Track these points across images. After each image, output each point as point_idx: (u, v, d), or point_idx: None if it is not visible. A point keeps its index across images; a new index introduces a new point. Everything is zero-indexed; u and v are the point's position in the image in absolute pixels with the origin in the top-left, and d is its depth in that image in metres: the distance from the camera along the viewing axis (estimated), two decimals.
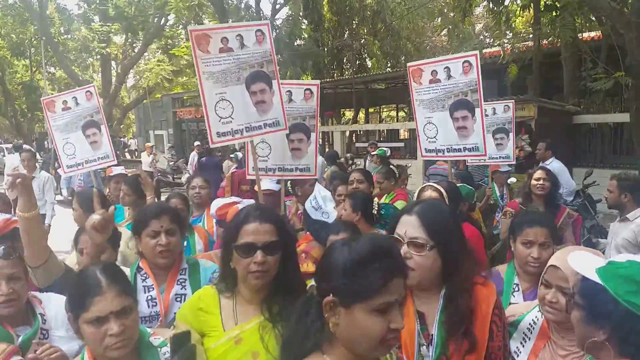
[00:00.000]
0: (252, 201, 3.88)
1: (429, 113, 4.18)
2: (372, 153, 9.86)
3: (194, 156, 13.92)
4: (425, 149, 4.27)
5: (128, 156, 26.11)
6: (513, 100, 5.69)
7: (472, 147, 4.07)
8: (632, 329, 1.25)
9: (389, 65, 23.20)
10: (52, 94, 27.62)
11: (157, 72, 26.17)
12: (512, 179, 6.33)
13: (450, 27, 20.16)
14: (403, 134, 17.30)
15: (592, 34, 12.43)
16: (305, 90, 4.20)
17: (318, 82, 4.27)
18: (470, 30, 21.90)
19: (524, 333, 1.84)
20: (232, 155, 10.33)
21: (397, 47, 21.61)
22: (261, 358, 1.65)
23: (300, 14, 20.94)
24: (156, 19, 25.16)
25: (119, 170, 5.16)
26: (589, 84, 9.89)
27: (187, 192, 4.21)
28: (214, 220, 3.53)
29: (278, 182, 4.49)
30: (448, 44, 22.70)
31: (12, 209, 3.76)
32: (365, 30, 22.80)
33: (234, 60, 3.65)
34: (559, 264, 1.69)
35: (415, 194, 2.91)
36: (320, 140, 15.19)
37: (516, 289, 2.29)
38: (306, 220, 3.40)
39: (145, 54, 29.25)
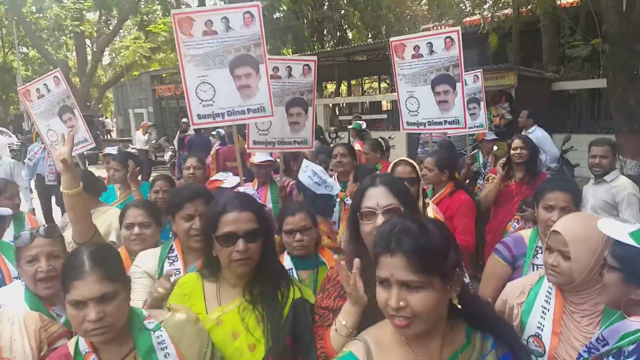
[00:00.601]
0: (237, 179, 3.98)
1: (411, 87, 4.26)
2: (349, 127, 10.01)
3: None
4: (406, 122, 4.36)
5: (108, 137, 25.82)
6: (481, 70, 5.75)
7: (453, 120, 4.19)
8: None
9: (369, 36, 23.02)
10: (26, 75, 27.00)
11: (134, 49, 25.56)
12: (494, 147, 6.47)
13: None
14: (385, 106, 17.31)
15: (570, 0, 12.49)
16: (304, 66, 4.28)
17: (315, 58, 4.33)
18: None
19: (542, 306, 1.85)
20: (214, 133, 10.26)
21: (377, 17, 21.41)
22: (241, 338, 1.70)
23: None
24: None
25: (111, 150, 5.17)
26: (567, 51, 10.00)
27: (170, 170, 4.27)
28: None
29: (271, 154, 4.65)
30: (429, 14, 22.54)
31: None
32: (345, 1, 22.50)
33: (218, 43, 3.61)
34: (560, 229, 1.75)
35: (390, 169, 2.92)
36: None
37: (539, 251, 2.34)
38: (306, 195, 3.50)
39: (121, 31, 28.51)
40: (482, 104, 5.58)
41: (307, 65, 4.27)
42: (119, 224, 2.73)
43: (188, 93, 3.65)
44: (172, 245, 2.32)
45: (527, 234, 2.49)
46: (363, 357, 1.32)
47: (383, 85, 24.15)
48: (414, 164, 2.88)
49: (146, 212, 2.65)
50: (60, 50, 31.34)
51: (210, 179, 4.10)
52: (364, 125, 9.37)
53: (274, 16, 19.63)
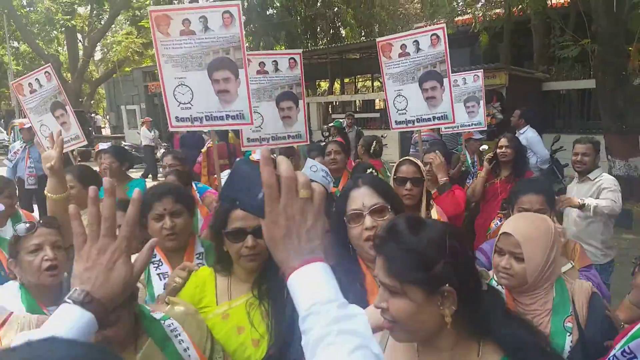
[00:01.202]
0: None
1: (399, 86, 4.28)
2: (330, 125, 10.32)
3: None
4: (395, 121, 4.38)
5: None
6: (482, 70, 5.85)
7: (441, 116, 4.22)
8: None
9: (362, 34, 23.04)
10: (17, 69, 26.74)
11: (126, 44, 25.43)
12: (484, 146, 6.51)
13: None
14: (378, 104, 17.34)
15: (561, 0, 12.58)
16: (289, 59, 4.24)
17: (300, 50, 4.30)
18: None
19: None
20: (206, 130, 10.20)
21: (370, 15, 21.44)
22: (246, 332, 1.72)
23: None
24: None
25: (104, 145, 5.09)
26: (557, 52, 10.07)
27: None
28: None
29: (272, 152, 4.62)
30: (422, 12, 22.58)
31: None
32: None
33: (196, 44, 3.44)
34: (511, 231, 1.75)
35: (393, 169, 2.87)
36: None
37: None
38: None
39: (113, 26, 28.33)
40: (482, 102, 5.64)
41: (293, 58, 4.24)
42: None
43: (166, 94, 3.50)
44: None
45: None
46: (379, 340, 1.29)
47: (376, 83, 24.19)
48: (419, 163, 2.82)
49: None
50: (51, 44, 31.14)
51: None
52: (344, 124, 9.81)
53: (267, 13, 19.58)
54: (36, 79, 4.65)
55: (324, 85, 25.80)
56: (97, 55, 32.64)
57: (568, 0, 11.66)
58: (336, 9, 22.83)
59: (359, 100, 18.49)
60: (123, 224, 0.96)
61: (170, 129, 3.93)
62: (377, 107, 17.10)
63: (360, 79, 27.64)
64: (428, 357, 1.20)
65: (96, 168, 4.02)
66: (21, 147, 7.38)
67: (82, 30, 27.95)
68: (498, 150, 4.09)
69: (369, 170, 3.68)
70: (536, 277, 1.71)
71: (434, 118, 4.25)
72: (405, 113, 4.31)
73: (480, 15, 11.72)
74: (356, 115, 13.46)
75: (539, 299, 1.74)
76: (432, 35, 4.10)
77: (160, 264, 2.20)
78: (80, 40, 28.71)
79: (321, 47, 20.37)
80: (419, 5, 23.86)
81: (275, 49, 18.21)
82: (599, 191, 3.72)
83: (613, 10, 7.93)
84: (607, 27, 8.05)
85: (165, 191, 2.28)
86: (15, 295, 1.99)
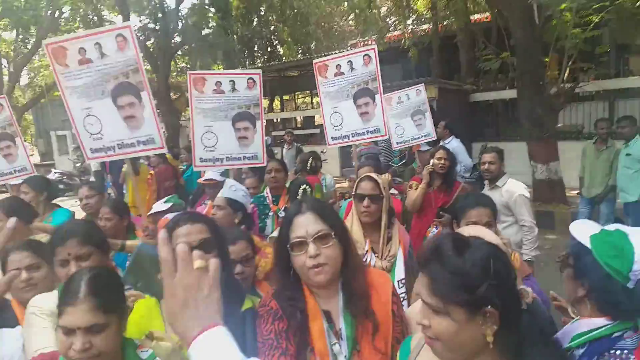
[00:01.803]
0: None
1: (336, 103, 4.47)
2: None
3: None
4: (331, 137, 4.55)
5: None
6: (423, 84, 6.08)
7: (374, 129, 4.45)
8: (607, 288, 1.41)
9: (300, 51, 23.39)
10: None
11: None
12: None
13: (357, 11, 20.68)
14: (318, 120, 17.64)
15: (484, 15, 13.42)
16: (248, 79, 4.16)
17: (259, 71, 4.21)
18: (376, 14, 22.59)
19: None
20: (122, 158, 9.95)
21: (306, 33, 21.82)
22: None
23: (207, 1, 20.43)
24: (50, 12, 23.35)
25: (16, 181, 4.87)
26: (481, 65, 10.71)
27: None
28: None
29: (222, 173, 4.62)
30: (356, 29, 23.27)
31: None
32: (274, 17, 22.77)
33: (95, 72, 3.33)
34: None
35: (354, 186, 2.82)
36: None
37: None
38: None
39: (40, 49, 27.06)
40: (427, 114, 5.85)
41: (252, 78, 4.18)
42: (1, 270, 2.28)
43: (76, 127, 3.40)
44: None
45: None
46: (413, 346, 1.39)
47: (315, 99, 24.55)
48: (378, 180, 2.74)
49: (33, 253, 2.23)
50: None
51: (151, 212, 3.89)
52: (269, 142, 9.75)
53: (202, 33, 19.46)
54: None
55: (264, 103, 25.85)
56: (24, 80, 31.03)
57: (489, 16, 12.46)
58: (272, 27, 23.08)
59: (300, 117, 18.72)
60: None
61: (87, 161, 3.81)
62: (317, 123, 17.39)
63: (300, 96, 27.95)
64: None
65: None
66: None
67: (7, 55, 26.53)
68: (436, 162, 4.27)
69: (302, 187, 3.81)
70: None
71: (367, 132, 4.45)
72: (341, 129, 4.49)
73: (409, 31, 12.29)
74: (297, 132, 13.66)
75: None
76: (364, 55, 4.34)
77: None
78: (5, 66, 27.21)
79: (259, 65, 20.48)
80: (353, 22, 24.60)
81: (213, 68, 18.12)
82: (511, 202, 3.96)
83: (528, 23, 8.55)
84: (523, 40, 8.63)
85: (70, 233, 2.03)
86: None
